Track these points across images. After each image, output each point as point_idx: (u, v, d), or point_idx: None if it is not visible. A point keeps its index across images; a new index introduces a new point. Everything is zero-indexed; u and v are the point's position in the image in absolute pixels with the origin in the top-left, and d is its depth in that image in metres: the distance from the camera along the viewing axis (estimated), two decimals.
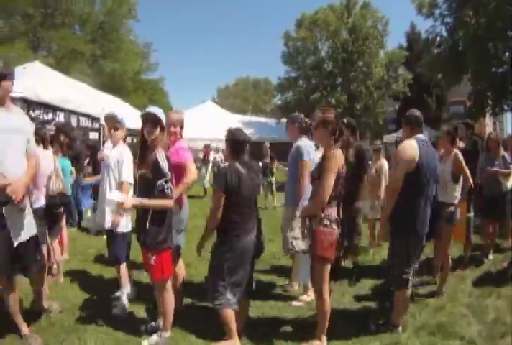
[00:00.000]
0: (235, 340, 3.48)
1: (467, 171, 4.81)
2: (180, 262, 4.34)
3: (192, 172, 4.09)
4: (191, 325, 3.94)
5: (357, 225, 5.26)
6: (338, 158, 3.51)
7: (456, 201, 4.83)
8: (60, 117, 9.45)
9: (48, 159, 4.79)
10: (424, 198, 3.78)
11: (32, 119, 8.42)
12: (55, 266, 5.20)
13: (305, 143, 4.62)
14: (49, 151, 5.01)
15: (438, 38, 21.08)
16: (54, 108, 9.26)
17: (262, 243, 3.77)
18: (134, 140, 11.50)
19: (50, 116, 9.12)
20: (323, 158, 3.59)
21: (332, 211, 3.55)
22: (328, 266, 3.58)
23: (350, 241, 5.12)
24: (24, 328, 3.58)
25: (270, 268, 5.92)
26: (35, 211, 4.60)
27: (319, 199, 3.46)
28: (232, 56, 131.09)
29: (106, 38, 33.93)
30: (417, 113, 4.04)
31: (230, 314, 3.45)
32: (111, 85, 29.80)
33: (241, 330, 3.67)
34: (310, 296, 4.51)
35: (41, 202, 4.64)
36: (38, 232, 4.58)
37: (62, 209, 5.09)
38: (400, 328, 3.89)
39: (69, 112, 9.89)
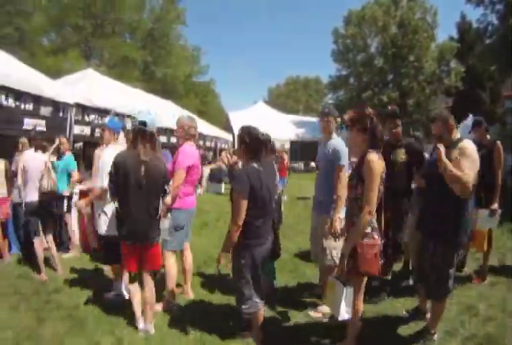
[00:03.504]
0: (257, 334, 3.64)
1: None
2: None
3: (175, 180, 4.09)
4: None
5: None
6: (378, 161, 3.22)
7: None
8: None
9: (38, 160, 5.27)
10: (468, 204, 3.57)
11: (88, 123, 8.88)
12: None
13: (341, 143, 4.28)
14: (39, 153, 5.40)
15: (489, 27, 19.95)
16: (108, 113, 9.65)
17: (279, 247, 3.76)
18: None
19: (105, 120, 9.52)
20: (363, 162, 3.25)
21: (373, 219, 3.29)
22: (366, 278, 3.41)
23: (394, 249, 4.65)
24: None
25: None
26: (26, 205, 5.23)
27: (369, 209, 3.16)
28: (282, 55, 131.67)
29: (156, 44, 34.79)
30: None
31: (259, 315, 3.60)
32: (163, 90, 30.64)
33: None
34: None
35: (31, 197, 5.19)
36: (30, 225, 5.22)
37: (54, 206, 5.48)
38: (436, 336, 3.73)
39: (122, 116, 10.27)
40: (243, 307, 3.49)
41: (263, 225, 3.45)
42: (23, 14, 23.20)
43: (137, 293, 3.86)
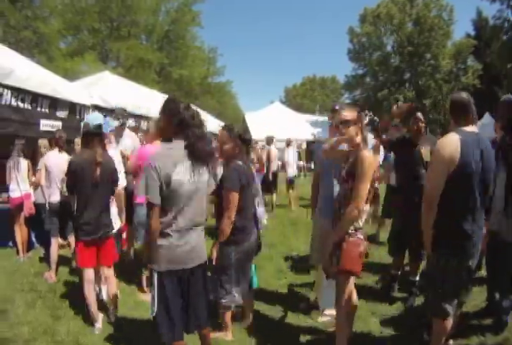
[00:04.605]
0: (229, 332, 3.76)
1: None
2: None
3: None
4: None
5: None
6: (371, 159, 3.07)
7: None
8: (130, 122, 9.90)
9: (63, 161, 5.21)
10: (472, 210, 2.95)
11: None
12: None
13: None
14: (64, 153, 5.48)
15: (505, 23, 19.50)
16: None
17: (260, 242, 3.93)
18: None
19: (121, 120, 9.59)
20: (356, 160, 3.09)
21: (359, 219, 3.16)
22: (353, 279, 3.25)
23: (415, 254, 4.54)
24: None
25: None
26: (49, 205, 5.35)
27: (357, 204, 3.02)
28: (299, 55, 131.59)
29: (173, 46, 34.95)
30: (464, 95, 3.12)
31: (230, 313, 3.73)
32: (179, 91, 30.85)
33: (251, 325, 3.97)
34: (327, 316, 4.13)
35: (55, 198, 5.30)
36: (51, 226, 5.34)
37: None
38: None
39: (138, 117, 10.35)
40: (222, 301, 3.60)
41: (249, 221, 3.67)
42: (40, 18, 23.60)
43: (92, 292, 3.99)
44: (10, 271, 5.42)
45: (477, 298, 4.52)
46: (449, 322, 3.08)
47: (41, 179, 5.54)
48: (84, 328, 3.90)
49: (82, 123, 3.99)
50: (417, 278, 4.62)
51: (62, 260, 5.71)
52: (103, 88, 10.03)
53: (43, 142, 6.16)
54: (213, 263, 3.56)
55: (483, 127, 17.25)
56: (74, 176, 3.81)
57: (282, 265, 5.93)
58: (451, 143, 2.88)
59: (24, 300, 4.46)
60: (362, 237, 3.14)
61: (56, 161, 5.35)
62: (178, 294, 2.77)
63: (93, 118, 3.99)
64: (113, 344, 3.64)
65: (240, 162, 3.56)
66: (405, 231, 4.44)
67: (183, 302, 2.80)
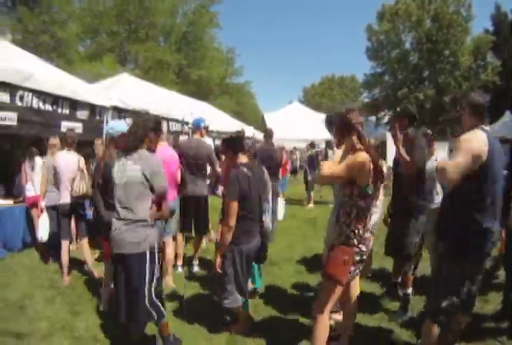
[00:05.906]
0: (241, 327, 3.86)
1: None
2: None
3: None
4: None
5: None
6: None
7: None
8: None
9: (72, 162, 5.21)
10: (489, 211, 2.90)
11: None
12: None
13: None
14: (74, 153, 5.34)
15: None
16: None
17: (266, 250, 3.97)
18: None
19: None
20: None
21: (359, 226, 3.05)
22: (340, 288, 3.11)
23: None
24: None
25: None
26: (59, 206, 5.23)
27: None
28: (317, 55, 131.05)
29: (191, 47, 35.02)
30: (480, 96, 3.09)
31: (240, 308, 3.81)
32: (198, 92, 30.94)
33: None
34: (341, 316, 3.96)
35: (65, 199, 5.16)
36: (62, 228, 5.21)
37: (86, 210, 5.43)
38: None
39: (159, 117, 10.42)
40: (224, 301, 3.68)
41: (250, 225, 3.67)
42: (58, 23, 23.96)
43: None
44: (30, 268, 5.53)
45: (494, 301, 4.49)
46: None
47: (49, 180, 5.54)
48: (103, 324, 3.95)
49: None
50: (409, 291, 4.28)
51: (82, 258, 5.83)
52: (122, 90, 10.16)
53: (54, 141, 6.01)
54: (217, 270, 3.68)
55: (504, 125, 16.93)
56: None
57: (301, 266, 5.93)
58: (479, 138, 2.84)
59: (44, 296, 4.56)
60: (357, 245, 3.04)
61: (66, 161, 5.21)
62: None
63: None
64: (131, 341, 3.67)
65: (244, 169, 3.62)
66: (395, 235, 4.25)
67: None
